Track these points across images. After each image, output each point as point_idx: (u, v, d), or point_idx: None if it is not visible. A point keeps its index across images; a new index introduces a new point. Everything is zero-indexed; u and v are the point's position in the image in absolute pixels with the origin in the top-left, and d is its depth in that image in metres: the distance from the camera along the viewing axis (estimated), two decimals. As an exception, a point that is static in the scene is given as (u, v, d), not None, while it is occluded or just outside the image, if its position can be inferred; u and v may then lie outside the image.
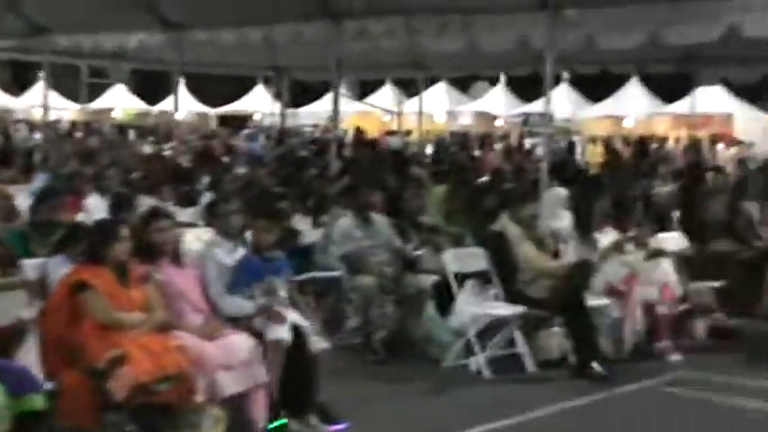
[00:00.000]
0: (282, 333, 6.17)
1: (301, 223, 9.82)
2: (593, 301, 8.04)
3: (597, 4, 10.31)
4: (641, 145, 17.86)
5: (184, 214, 9.68)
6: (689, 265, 9.25)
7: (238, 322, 6.30)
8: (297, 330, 6.30)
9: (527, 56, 13.16)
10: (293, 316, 6.37)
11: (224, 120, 37.12)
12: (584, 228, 8.71)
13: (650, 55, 14.47)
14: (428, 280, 8.42)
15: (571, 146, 24.29)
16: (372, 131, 30.21)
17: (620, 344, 8.20)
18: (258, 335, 6.18)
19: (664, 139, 26.60)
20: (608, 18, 10.23)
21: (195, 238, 7.55)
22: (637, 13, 9.98)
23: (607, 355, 8.00)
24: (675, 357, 8.28)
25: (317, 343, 6.41)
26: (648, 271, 8.49)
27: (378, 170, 13.08)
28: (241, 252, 6.67)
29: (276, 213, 7.51)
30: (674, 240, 9.64)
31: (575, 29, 10.59)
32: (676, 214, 11.38)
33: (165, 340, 5.73)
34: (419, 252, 8.72)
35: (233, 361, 5.94)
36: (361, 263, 8.38)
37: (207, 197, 10.53)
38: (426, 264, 8.66)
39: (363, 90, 35.13)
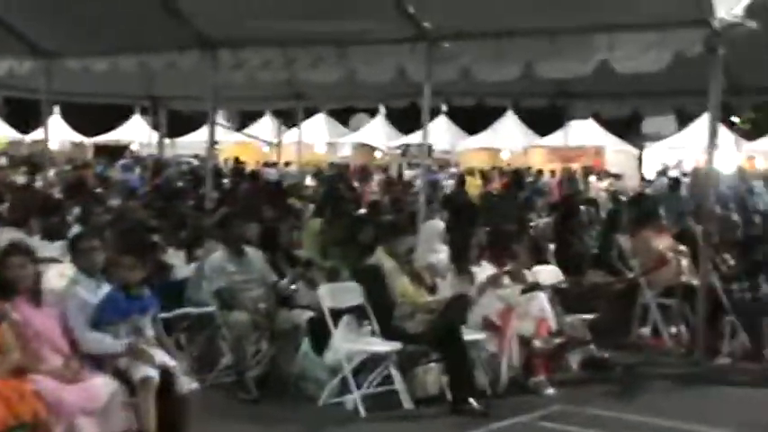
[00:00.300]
0: (149, 371, 5.90)
1: (175, 257, 9.55)
2: (469, 335, 7.98)
3: (473, 37, 10.42)
4: (516, 177, 18.05)
5: (51, 249, 9.26)
6: (564, 298, 9.32)
7: (103, 363, 6.02)
8: (164, 371, 6.03)
9: (405, 88, 13.21)
10: (160, 356, 6.11)
11: (100, 150, 36.19)
12: (461, 261, 8.67)
13: (525, 88, 14.70)
14: (303, 316, 8.23)
15: (462, 178, 24.35)
16: (252, 162, 29.95)
17: (496, 379, 8.15)
18: (123, 376, 5.90)
19: (540, 172, 27.09)
20: (483, 51, 10.33)
21: (58, 275, 7.19)
22: (512, 47, 10.09)
23: (484, 391, 7.96)
24: (550, 392, 8.27)
25: (186, 384, 6.15)
26: (524, 305, 8.49)
27: (255, 202, 12.84)
28: (106, 289, 6.37)
29: (143, 249, 7.24)
30: (549, 273, 9.71)
31: (451, 61, 10.66)
32: (552, 247, 11.53)
33: (20, 384, 5.41)
34: (294, 287, 8.52)
35: (94, 406, 5.63)
36: (234, 298, 8.14)
37: (76, 230, 10.12)
38: (301, 299, 8.47)
39: (243, 120, 34.83)
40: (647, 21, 9.23)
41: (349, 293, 8.02)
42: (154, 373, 5.93)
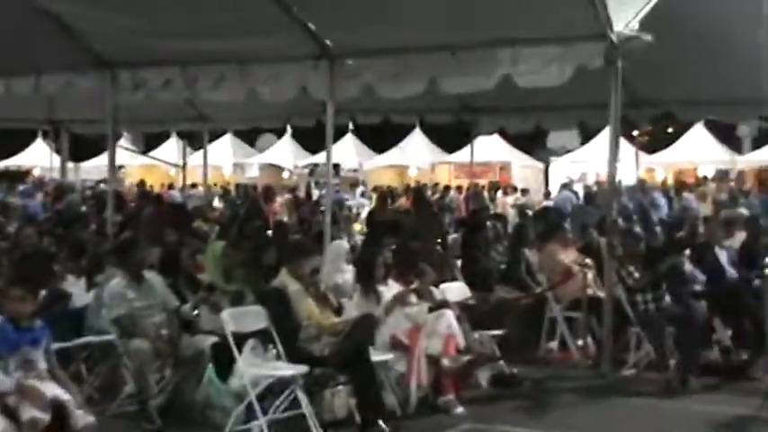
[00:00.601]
0: (38, 412, 5.62)
1: (74, 285, 9.25)
2: (377, 356, 7.86)
3: (375, 54, 10.35)
4: (418, 194, 18.04)
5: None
6: (472, 315, 9.28)
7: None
8: (58, 406, 5.76)
9: (310, 106, 13.09)
10: (52, 390, 5.84)
11: (2, 175, 35.09)
12: (367, 280, 8.54)
13: (430, 105, 14.73)
14: (207, 341, 8.02)
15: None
16: (158, 185, 29.45)
17: (405, 399, 8.04)
18: (12, 414, 5.62)
19: (446, 188, 27.21)
20: (386, 68, 10.27)
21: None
22: (414, 63, 10.06)
23: (393, 412, 7.84)
24: (460, 410, 8.18)
25: (81, 418, 5.88)
26: (432, 323, 8.40)
27: (157, 226, 12.54)
28: (-5, 321, 6.07)
29: (38, 278, 6.94)
30: (457, 290, 9.67)
31: (354, 78, 10.58)
32: (459, 263, 11.50)
33: None
34: (196, 312, 8.30)
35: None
36: (134, 325, 7.89)
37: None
38: (205, 324, 8.26)
39: (149, 143, 34.22)
40: (548, 35, 9.30)
41: (253, 317, 7.81)
42: (42, 415, 5.66)
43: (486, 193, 25.86)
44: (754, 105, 13.10)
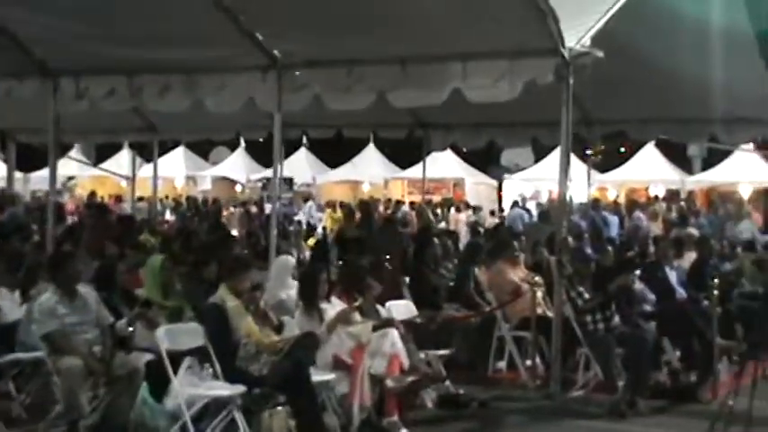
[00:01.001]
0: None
1: (7, 298, 8.91)
2: (318, 376, 7.62)
3: (323, 65, 10.17)
4: (366, 208, 17.87)
5: None
6: (418, 333, 9.08)
7: None
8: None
9: (261, 119, 12.88)
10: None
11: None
12: (310, 298, 8.30)
13: (382, 119, 14.60)
14: (142, 359, 7.70)
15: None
16: (108, 197, 28.99)
17: (348, 421, 7.79)
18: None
19: (398, 203, 27.05)
20: (334, 79, 10.10)
21: None
22: (363, 75, 9.90)
23: (335, 433, 7.62)
24: (404, 432, 7.98)
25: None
26: (376, 342, 8.17)
27: (98, 238, 12.21)
28: None
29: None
30: (403, 308, 9.46)
31: (302, 90, 10.40)
32: (407, 280, 11.30)
33: None
34: (131, 328, 7.99)
35: None
36: (65, 342, 7.56)
37: None
38: (139, 341, 7.94)
39: (102, 154, 33.69)
40: (499, 50, 9.19)
41: (190, 334, 7.53)
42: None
43: (439, 210, 25.77)
44: (703, 125, 13.13)
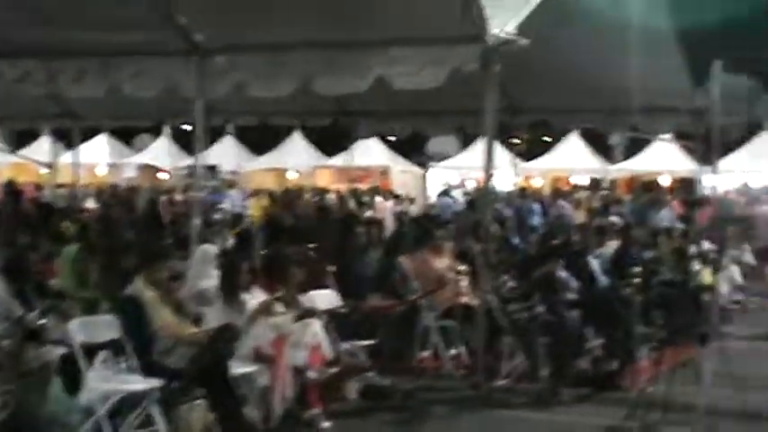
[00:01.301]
0: None
1: None
2: (238, 368, 7.45)
3: (246, 51, 9.95)
4: (287, 197, 17.74)
5: None
6: (342, 324, 8.96)
7: None
8: None
9: (185, 105, 12.57)
10: None
11: None
12: (230, 288, 8.11)
13: (309, 107, 14.41)
14: (54, 352, 7.45)
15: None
16: (29, 185, 28.24)
17: (268, 413, 7.63)
18: None
19: (322, 191, 26.88)
20: (258, 65, 9.89)
21: None
22: (286, 62, 9.70)
23: (255, 427, 7.43)
24: (326, 425, 7.83)
25: None
26: (298, 333, 8.02)
27: (11, 226, 11.83)
28: None
29: None
30: (326, 297, 9.33)
31: (225, 76, 10.16)
32: (331, 269, 11.15)
33: None
34: (44, 320, 7.72)
35: None
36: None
37: None
38: (52, 334, 7.68)
39: (21, 141, 32.83)
40: (423, 37, 9.07)
41: (105, 327, 7.28)
42: None
43: (366, 198, 25.64)
44: (625, 115, 13.23)
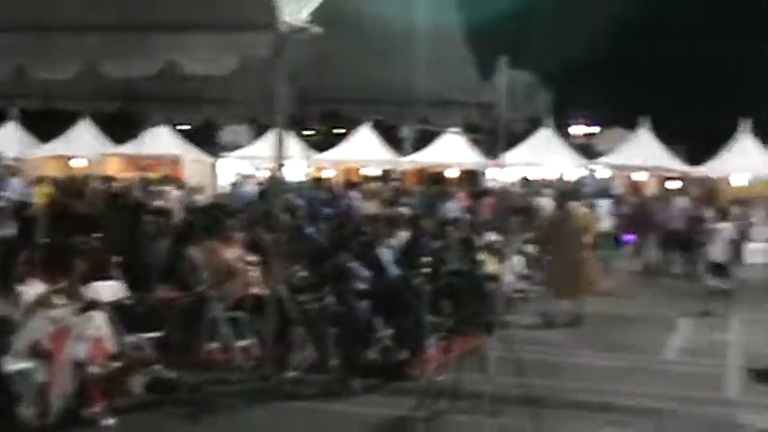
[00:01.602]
0: None
1: None
2: (13, 365, 7.04)
3: (24, 28, 9.39)
4: (68, 185, 17.07)
5: None
6: (127, 316, 8.64)
7: None
8: None
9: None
10: None
11: None
12: (4, 280, 7.65)
13: (96, 92, 13.84)
14: None
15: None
16: None
17: (46, 411, 7.25)
18: None
19: (110, 179, 25.94)
20: (38, 46, 9.35)
21: None
22: (69, 43, 9.22)
23: (29, 425, 7.05)
24: (110, 422, 7.54)
25: None
26: (80, 326, 7.67)
27: None
28: None
29: None
30: (110, 289, 8.97)
31: (4, 57, 9.55)
32: (117, 260, 10.76)
33: None
34: None
35: None
36: None
37: None
38: None
39: None
40: (215, 22, 8.85)
41: None
42: None
43: (155, 187, 24.94)
44: (415, 108, 13.45)
